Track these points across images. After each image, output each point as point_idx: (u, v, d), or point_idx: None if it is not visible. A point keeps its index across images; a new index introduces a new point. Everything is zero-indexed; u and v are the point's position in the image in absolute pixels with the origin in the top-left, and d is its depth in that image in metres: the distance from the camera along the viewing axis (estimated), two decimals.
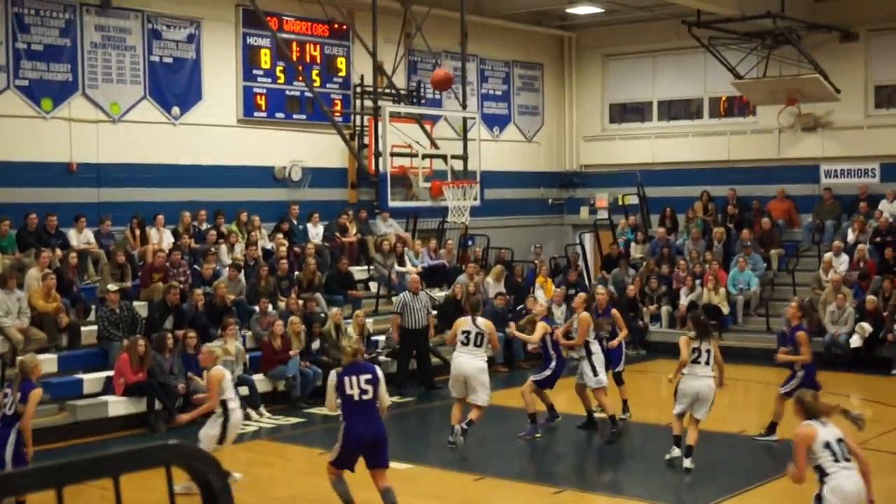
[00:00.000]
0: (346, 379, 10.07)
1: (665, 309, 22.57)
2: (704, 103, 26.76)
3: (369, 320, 19.31)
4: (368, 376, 10.10)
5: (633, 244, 25.11)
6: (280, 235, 20.64)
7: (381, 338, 19.05)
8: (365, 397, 10.03)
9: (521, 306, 21.46)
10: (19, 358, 12.58)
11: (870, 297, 20.34)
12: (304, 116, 22.24)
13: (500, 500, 11.76)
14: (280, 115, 21.93)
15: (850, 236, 22.70)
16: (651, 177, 26.13)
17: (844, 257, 21.95)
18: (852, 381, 18.78)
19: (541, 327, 14.22)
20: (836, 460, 7.74)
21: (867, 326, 19.71)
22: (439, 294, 21.42)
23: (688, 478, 12.14)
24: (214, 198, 20.52)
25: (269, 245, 20.52)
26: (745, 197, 25.03)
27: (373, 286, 21.43)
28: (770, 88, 23.63)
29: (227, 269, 18.84)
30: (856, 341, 19.67)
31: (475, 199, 19.04)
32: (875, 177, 23.90)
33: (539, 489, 11.86)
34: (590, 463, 13.93)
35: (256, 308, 17.97)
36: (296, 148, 22.02)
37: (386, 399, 10.45)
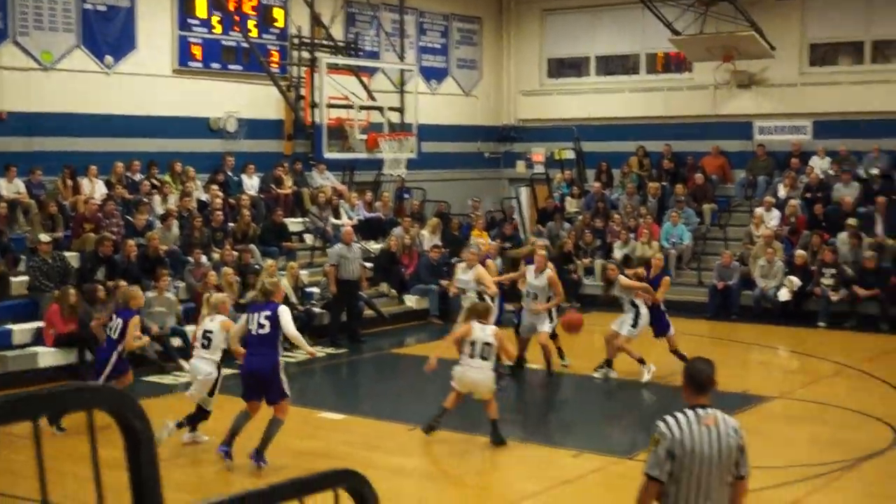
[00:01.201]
0: (248, 315, 10.61)
1: (599, 262, 22.75)
2: (642, 59, 26.90)
3: (304, 272, 19.30)
4: (268, 313, 10.42)
5: (568, 198, 25.27)
6: (215, 187, 20.49)
7: (316, 290, 19.04)
8: (261, 332, 10.36)
9: (457, 258, 21.57)
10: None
11: (799, 252, 20.68)
12: (240, 67, 22.00)
13: (434, 449, 11.87)
14: (216, 65, 21.68)
15: (782, 192, 23.03)
16: (588, 132, 26.26)
17: (775, 213, 22.28)
18: (780, 333, 19.14)
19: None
20: (472, 356, 11.27)
21: (796, 280, 20.05)
22: (375, 247, 21.44)
23: (622, 428, 12.34)
24: (148, 148, 20.30)
25: (203, 196, 20.36)
26: (680, 152, 25.26)
27: (308, 238, 21.39)
28: (707, 45, 23.79)
29: (161, 219, 18.70)
30: (784, 295, 20.01)
31: (411, 151, 19.08)
32: (807, 134, 24.21)
33: (472, 438, 11.98)
34: (523, 412, 14.06)
35: (190, 259, 17.88)
36: (231, 99, 21.82)
37: (291, 333, 10.56)
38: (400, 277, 20.81)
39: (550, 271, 14.94)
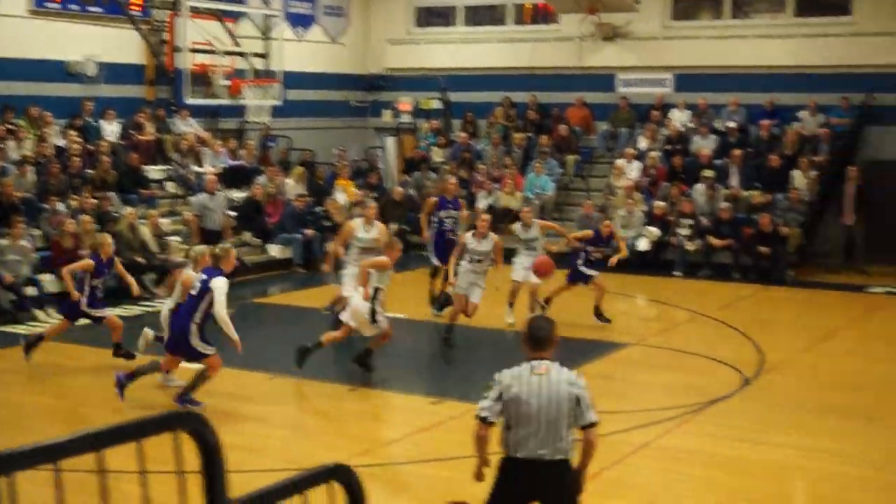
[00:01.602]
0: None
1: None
2: (509, 10, 26.99)
3: (166, 220, 18.99)
4: (204, 277, 10.75)
5: (434, 148, 25.35)
6: (73, 132, 19.92)
7: (177, 238, 18.74)
8: (192, 292, 10.76)
9: (321, 208, 21.52)
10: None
11: (658, 203, 21.17)
12: (100, 9, 21.30)
13: (296, 398, 11.89)
14: (74, 6, 20.96)
15: (642, 144, 23.49)
16: (454, 82, 26.29)
17: (636, 164, 22.73)
18: (639, 282, 19.57)
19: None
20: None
21: (655, 231, 20.53)
22: (238, 195, 21.18)
23: (482, 375, 12.48)
24: (2, 91, 19.60)
25: (61, 142, 19.79)
26: (546, 104, 25.51)
27: (170, 186, 21.01)
28: None
29: (16, 165, 18.14)
30: (643, 245, 20.47)
31: (276, 99, 18.85)
32: (668, 87, 24.68)
33: (336, 387, 12.03)
34: (392, 362, 14.13)
35: (46, 206, 17.41)
36: (90, 42, 21.16)
37: (218, 313, 10.63)
38: (264, 227, 20.64)
39: (495, 236, 14.39)
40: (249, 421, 10.70)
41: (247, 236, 20.35)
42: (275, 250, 20.59)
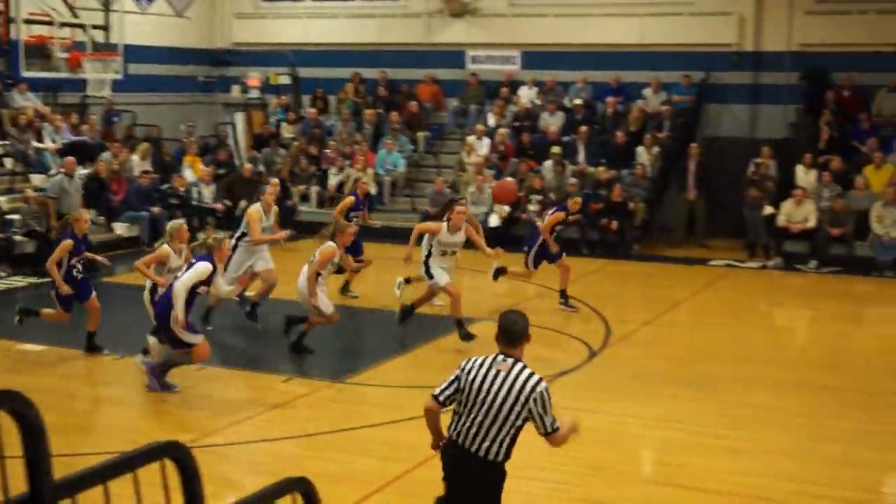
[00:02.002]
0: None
1: (314, 189, 22.82)
2: None
3: (3, 198, 18.32)
4: (193, 262, 10.61)
5: (284, 124, 25.08)
6: None
7: (17, 216, 18.11)
8: (179, 274, 10.65)
9: (167, 185, 21.08)
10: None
11: (508, 179, 21.35)
12: None
13: (140, 379, 11.63)
14: None
15: (491, 121, 23.68)
16: (304, 57, 26.05)
17: (486, 141, 22.91)
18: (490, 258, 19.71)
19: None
20: None
21: (505, 207, 20.73)
22: (82, 172, 20.55)
23: (336, 353, 12.45)
24: None
25: None
26: (396, 80, 25.49)
27: (8, 162, 20.26)
28: None
29: None
30: (494, 220, 20.66)
31: (117, 72, 18.34)
32: (517, 64, 24.92)
33: (182, 368, 11.80)
34: (241, 341, 13.96)
35: None
36: None
37: (176, 289, 10.34)
38: (109, 204, 20.12)
39: (469, 226, 13.49)
40: (95, 402, 10.45)
41: (91, 214, 19.74)
42: (121, 228, 20.09)
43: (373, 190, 22.43)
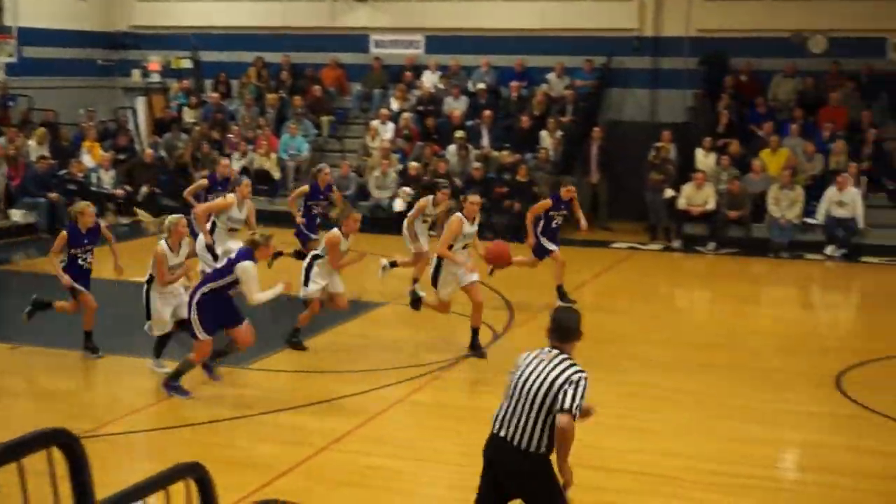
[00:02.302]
0: None
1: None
2: None
3: None
4: (231, 256, 10.23)
5: (185, 109, 24.76)
6: None
7: None
8: (218, 265, 10.88)
9: (65, 171, 20.68)
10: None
11: (412, 164, 21.40)
12: None
13: (30, 366, 11.45)
14: None
15: (395, 105, 23.64)
16: (206, 41, 25.74)
17: (390, 125, 22.88)
18: (395, 242, 19.70)
19: None
20: None
21: (409, 190, 20.73)
22: None
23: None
24: None
25: None
26: (299, 64, 25.30)
27: None
28: None
29: None
30: (399, 205, 20.65)
31: (10, 55, 17.93)
32: (421, 49, 24.92)
33: (67, 353, 11.62)
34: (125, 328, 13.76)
35: None
36: None
37: (251, 297, 9.99)
38: (5, 190, 19.67)
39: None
40: None
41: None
42: (17, 215, 19.66)
43: (276, 175, 22.30)
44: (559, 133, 21.99)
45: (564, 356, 5.89)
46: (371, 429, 9.41)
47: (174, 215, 11.21)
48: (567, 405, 5.67)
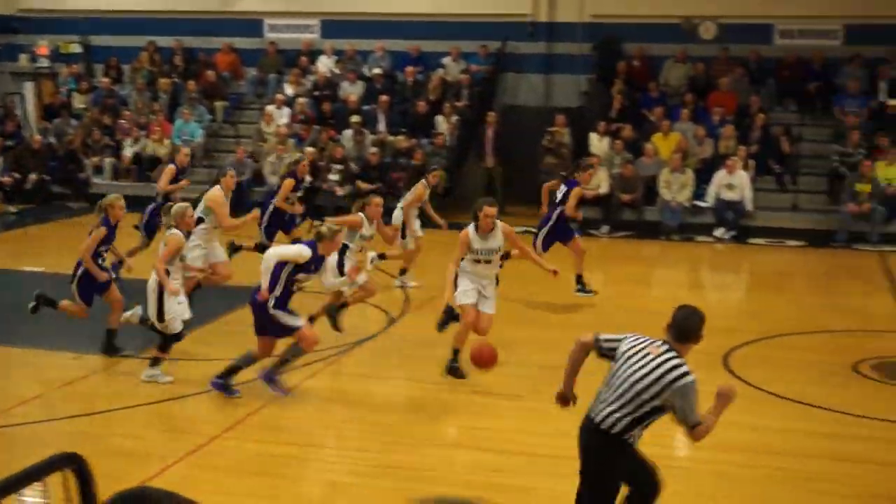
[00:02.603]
0: None
1: (109, 161, 22.23)
2: None
3: None
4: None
5: (75, 94, 24.29)
6: None
7: None
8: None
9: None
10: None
11: (308, 149, 21.26)
12: None
13: None
14: None
15: (290, 90, 23.48)
16: (96, 25, 25.25)
17: (286, 110, 22.73)
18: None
19: None
20: None
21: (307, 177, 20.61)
22: None
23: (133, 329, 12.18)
24: None
25: None
26: (192, 49, 24.98)
27: None
28: None
29: None
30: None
31: None
32: (316, 33, 24.77)
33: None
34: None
35: None
36: None
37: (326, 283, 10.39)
38: None
39: (503, 225, 11.07)
40: None
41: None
42: None
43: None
44: (455, 118, 22.07)
45: (673, 352, 5.88)
46: (265, 416, 9.38)
47: (180, 204, 10.73)
48: (690, 423, 5.81)
